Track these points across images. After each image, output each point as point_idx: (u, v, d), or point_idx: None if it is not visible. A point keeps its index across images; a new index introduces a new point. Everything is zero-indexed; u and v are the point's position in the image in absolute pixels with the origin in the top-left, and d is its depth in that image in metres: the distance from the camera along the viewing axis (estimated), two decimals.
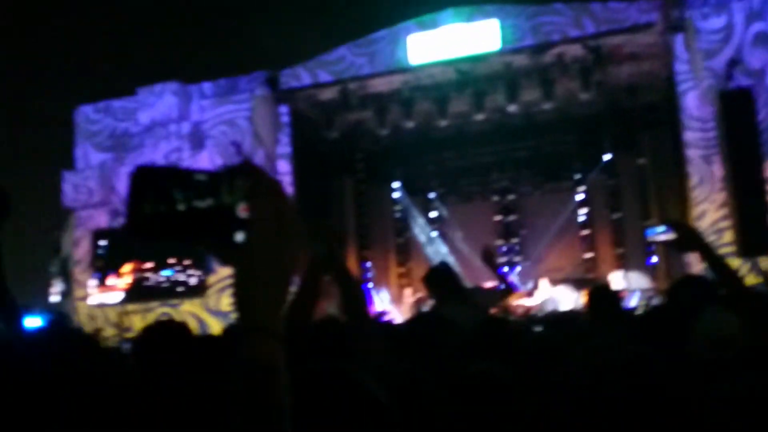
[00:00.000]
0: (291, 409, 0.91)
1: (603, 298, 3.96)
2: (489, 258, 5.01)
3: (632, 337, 3.52)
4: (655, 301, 12.75)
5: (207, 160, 14.39)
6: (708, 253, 2.62)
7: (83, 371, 1.51)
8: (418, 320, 3.61)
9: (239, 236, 0.87)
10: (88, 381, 1.49)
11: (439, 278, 4.18)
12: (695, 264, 11.50)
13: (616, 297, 4.09)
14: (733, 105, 11.08)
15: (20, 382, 1.41)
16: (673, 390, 2.08)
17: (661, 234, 2.85)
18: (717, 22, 11.54)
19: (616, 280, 15.38)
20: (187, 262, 14.13)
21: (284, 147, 14.21)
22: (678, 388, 2.14)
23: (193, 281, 14.28)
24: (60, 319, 9.70)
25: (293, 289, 2.64)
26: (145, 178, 0.85)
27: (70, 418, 1.38)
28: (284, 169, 14.18)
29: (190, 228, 0.87)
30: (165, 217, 0.85)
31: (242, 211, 0.87)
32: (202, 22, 17.57)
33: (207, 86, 14.76)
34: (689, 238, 2.67)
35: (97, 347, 1.74)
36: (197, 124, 14.61)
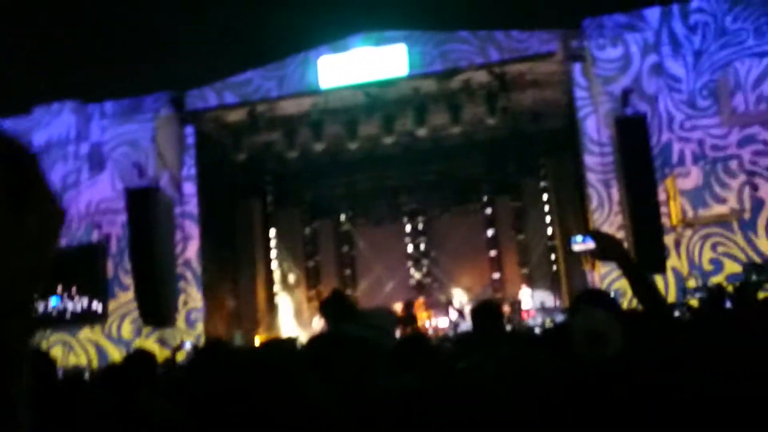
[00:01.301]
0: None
1: (484, 315, 4.06)
2: (407, 310, 5.23)
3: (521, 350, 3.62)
4: (559, 319, 13.12)
5: (107, 182, 13.85)
6: (626, 262, 2.67)
7: None
8: (319, 339, 3.63)
9: None
10: None
11: (334, 305, 4.26)
12: (597, 281, 11.92)
13: (498, 314, 4.19)
14: (628, 130, 11.60)
15: None
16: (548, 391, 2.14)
17: (582, 243, 2.91)
18: (613, 52, 12.11)
19: (526, 298, 15.75)
20: (73, 289, 13.49)
21: (189, 169, 13.85)
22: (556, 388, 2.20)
23: (93, 308, 13.64)
24: None
25: None
26: None
27: None
28: (190, 191, 13.81)
29: None
30: None
31: None
32: (106, 41, 16.98)
33: (108, 105, 14.23)
34: (609, 247, 2.72)
35: None
36: (97, 145, 14.03)
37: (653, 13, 12.24)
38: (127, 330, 13.49)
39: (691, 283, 11.22)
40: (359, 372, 3.02)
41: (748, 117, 11.42)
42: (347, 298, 4.61)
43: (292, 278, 17.41)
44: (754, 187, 11.50)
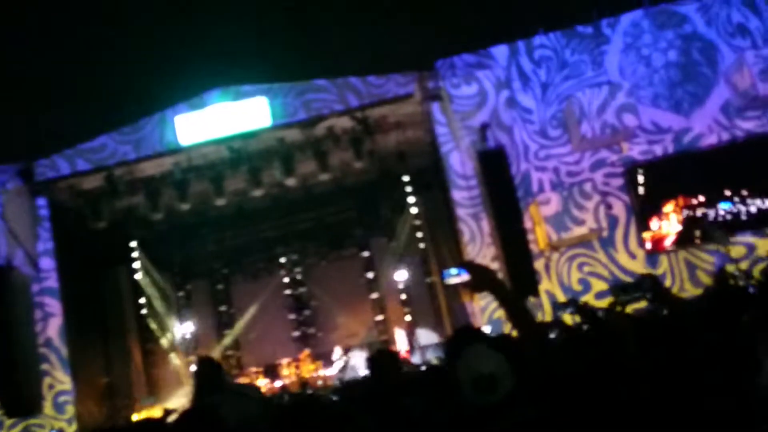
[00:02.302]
0: None
1: (382, 363, 4.01)
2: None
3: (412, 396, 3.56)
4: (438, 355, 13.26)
5: None
6: (499, 291, 2.68)
7: None
8: (186, 416, 3.48)
9: None
10: None
11: (203, 375, 4.17)
12: (478, 313, 12.14)
13: (396, 359, 4.14)
14: (490, 163, 12.01)
15: None
16: None
17: (455, 276, 2.91)
18: (468, 89, 12.57)
19: (400, 338, 15.80)
20: None
21: (46, 243, 12.96)
22: None
23: None
24: None
25: None
26: None
27: None
28: (48, 266, 12.91)
29: None
30: None
31: None
32: None
33: None
34: (481, 278, 2.72)
35: None
36: None
37: (501, 51, 12.85)
38: None
39: (561, 299, 11.66)
40: None
41: (595, 142, 12.16)
42: (216, 366, 4.46)
43: (168, 346, 16.58)
44: (609, 206, 12.20)
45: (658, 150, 12.37)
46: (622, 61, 12.65)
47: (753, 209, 12.05)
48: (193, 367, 4.45)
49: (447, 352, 3.15)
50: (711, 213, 12.11)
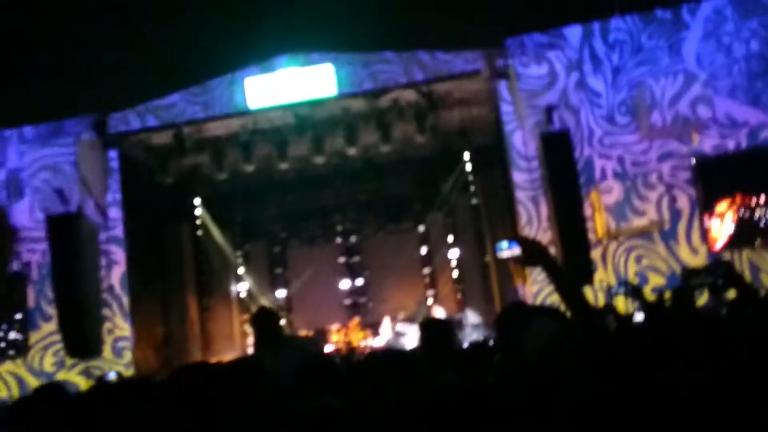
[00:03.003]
0: None
1: (433, 330, 4.00)
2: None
3: (458, 368, 3.58)
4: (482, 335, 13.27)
5: (26, 209, 13.31)
6: (551, 267, 2.66)
7: None
8: (236, 366, 3.62)
9: None
10: None
11: (260, 324, 4.32)
12: (530, 296, 12.08)
13: (448, 329, 4.09)
14: (553, 146, 11.83)
15: None
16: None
17: (507, 250, 2.91)
18: (538, 69, 12.35)
19: (440, 316, 15.82)
20: None
21: (115, 194, 13.44)
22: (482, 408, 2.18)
23: (14, 339, 13.10)
24: None
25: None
26: None
27: None
28: (115, 216, 13.40)
29: None
30: None
31: None
32: (23, 63, 16.42)
33: (27, 130, 13.71)
34: (534, 253, 2.71)
35: None
36: (15, 171, 13.49)
37: (573, 32, 12.58)
38: (49, 362, 12.94)
39: (612, 282, 11.48)
40: (270, 397, 2.98)
41: (665, 132, 11.83)
42: (273, 317, 4.56)
43: (224, 303, 17.06)
44: (673, 199, 11.90)
45: (731, 144, 11.96)
46: (701, 49, 12.22)
47: None
48: (251, 321, 4.61)
49: (500, 325, 3.16)
50: None
